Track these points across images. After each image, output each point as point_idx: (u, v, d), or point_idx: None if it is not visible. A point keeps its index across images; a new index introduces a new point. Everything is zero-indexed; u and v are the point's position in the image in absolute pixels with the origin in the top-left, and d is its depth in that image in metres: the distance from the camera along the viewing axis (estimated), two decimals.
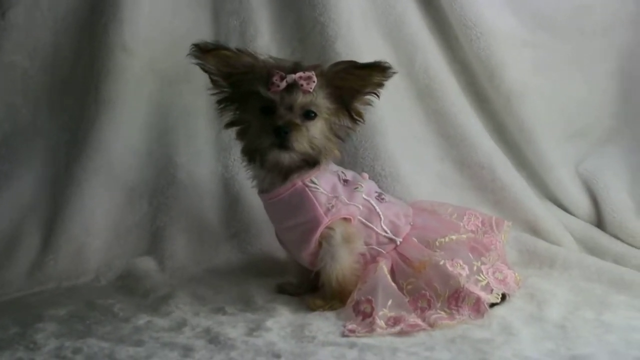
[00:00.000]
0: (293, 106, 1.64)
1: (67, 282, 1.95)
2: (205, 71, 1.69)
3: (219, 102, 1.72)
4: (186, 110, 2.13)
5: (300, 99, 1.63)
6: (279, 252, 1.96)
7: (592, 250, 2.06)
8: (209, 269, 2.01)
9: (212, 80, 1.70)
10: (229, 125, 1.74)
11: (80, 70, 2.09)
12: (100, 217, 2.04)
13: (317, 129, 1.66)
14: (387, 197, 1.80)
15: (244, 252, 2.05)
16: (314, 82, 1.63)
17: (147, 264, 2.01)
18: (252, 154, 1.70)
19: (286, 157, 1.65)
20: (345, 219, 1.70)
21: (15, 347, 1.53)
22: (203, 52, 1.66)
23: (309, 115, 1.65)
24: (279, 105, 1.64)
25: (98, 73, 2.05)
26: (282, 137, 1.62)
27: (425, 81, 2.15)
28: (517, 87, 2.16)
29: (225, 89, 1.70)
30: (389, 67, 1.63)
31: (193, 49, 1.66)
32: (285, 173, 1.69)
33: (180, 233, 2.07)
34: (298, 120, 1.64)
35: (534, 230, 2.10)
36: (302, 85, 1.62)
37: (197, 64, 1.68)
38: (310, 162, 1.67)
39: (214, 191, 2.11)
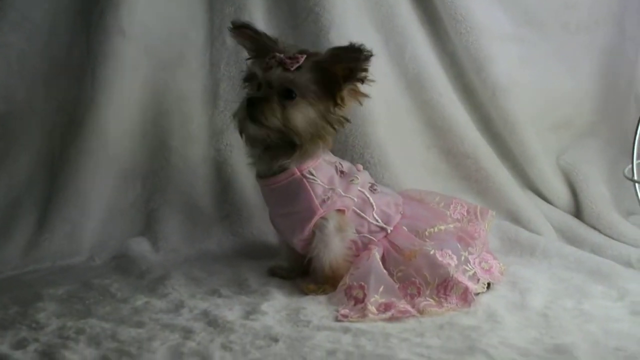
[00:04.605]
0: (272, 82, 1.67)
1: (62, 261, 1.98)
2: (242, 45, 1.80)
3: (244, 80, 1.78)
4: (180, 95, 2.15)
5: (278, 74, 1.66)
6: (271, 236, 2.01)
7: (571, 239, 2.11)
8: (202, 251, 2.04)
9: (248, 58, 1.79)
10: None
11: (77, 52, 2.10)
12: (94, 198, 2.06)
13: (296, 110, 1.67)
14: (379, 187, 1.85)
15: (236, 235, 2.08)
16: (297, 62, 1.66)
17: (141, 245, 2.04)
18: (238, 128, 1.75)
19: (255, 130, 1.69)
20: (339, 210, 1.75)
21: (18, 326, 1.55)
22: (235, 28, 1.75)
23: (289, 94, 1.67)
24: (262, 81, 1.69)
25: (94, 56, 2.07)
26: (251, 108, 1.67)
27: (414, 72, 2.18)
28: (502, 80, 2.19)
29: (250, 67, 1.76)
30: (364, 48, 1.64)
31: (229, 26, 1.77)
32: (272, 155, 1.72)
33: (173, 215, 2.10)
34: (274, 96, 1.67)
35: (516, 219, 2.14)
36: (285, 63, 1.66)
37: (234, 38, 1.78)
38: (291, 144, 1.69)
39: (206, 174, 2.14)
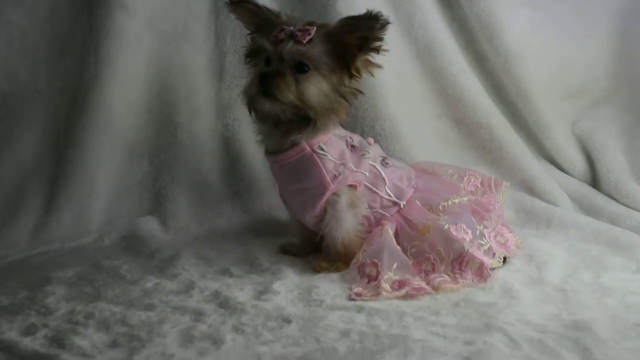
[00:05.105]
0: (283, 56, 1.63)
1: (71, 242, 1.96)
2: (240, 20, 1.75)
3: (246, 56, 1.74)
4: (186, 69, 2.12)
5: (290, 47, 1.62)
6: (281, 212, 1.98)
7: (588, 210, 2.09)
8: (211, 229, 2.02)
9: (248, 34, 1.74)
10: None
11: (79, 29, 2.06)
12: (101, 177, 2.04)
13: (310, 84, 1.64)
14: (391, 161, 1.81)
15: (246, 212, 2.06)
16: (309, 34, 1.62)
17: (150, 224, 2.02)
18: (248, 104, 1.71)
19: (268, 106, 1.65)
20: (351, 185, 1.72)
21: (27, 311, 1.53)
22: (232, 3, 1.70)
23: (302, 68, 1.63)
24: (272, 55, 1.65)
25: (97, 32, 2.03)
26: (264, 84, 1.63)
27: (424, 40, 2.15)
28: (515, 47, 2.16)
29: (252, 43, 1.73)
30: (381, 16, 1.60)
31: (227, 0, 1.71)
32: (284, 131, 1.69)
33: (182, 193, 2.08)
34: (287, 70, 1.63)
35: (531, 189, 2.12)
36: (296, 36, 1.62)
37: (231, 13, 1.73)
38: (304, 119, 1.66)
39: (214, 150, 2.12)
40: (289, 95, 1.62)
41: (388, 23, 1.61)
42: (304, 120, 1.66)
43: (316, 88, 1.64)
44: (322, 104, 1.66)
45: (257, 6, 1.70)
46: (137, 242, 1.94)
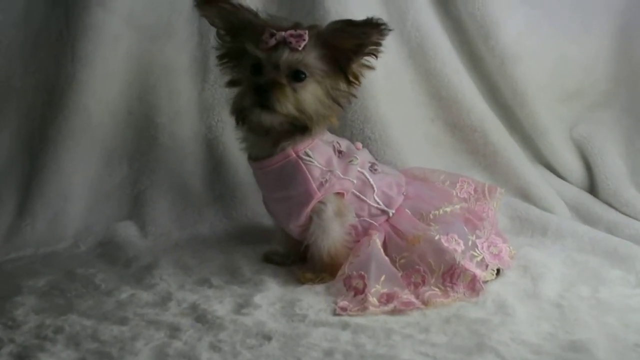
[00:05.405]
0: (279, 65, 1.55)
1: (45, 248, 1.90)
2: (211, 24, 1.64)
3: (220, 57, 1.66)
4: (168, 68, 2.05)
5: (286, 56, 1.55)
6: (265, 219, 1.91)
7: (585, 217, 2.04)
8: (192, 235, 1.97)
9: (218, 34, 1.64)
10: (229, 84, 1.68)
11: (54, 25, 1.98)
12: (78, 181, 1.98)
13: (307, 92, 1.57)
14: (380, 167, 1.74)
15: (229, 218, 2.01)
16: (304, 40, 1.55)
17: (128, 229, 1.96)
18: (237, 115, 1.63)
19: (267, 119, 1.58)
20: (338, 193, 1.65)
21: None
22: (203, 3, 1.60)
23: (298, 76, 1.56)
24: (265, 64, 1.57)
25: (74, 29, 1.96)
26: (262, 96, 1.55)
27: (417, 40, 2.09)
28: (511, 47, 2.11)
29: (227, 44, 1.64)
30: (383, 24, 1.53)
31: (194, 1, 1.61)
32: (275, 139, 1.62)
33: (162, 197, 2.02)
34: (284, 80, 1.56)
35: (526, 196, 2.07)
36: (290, 42, 1.54)
37: (201, 15, 1.63)
38: (300, 128, 1.59)
39: (197, 153, 2.05)
40: (288, 106, 1.55)
41: (390, 30, 1.54)
42: (297, 128, 1.60)
43: (313, 96, 1.58)
44: (318, 112, 1.59)
45: (233, 5, 1.60)
46: (114, 249, 1.88)
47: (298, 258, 1.76)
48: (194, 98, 2.06)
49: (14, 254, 1.87)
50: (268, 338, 1.39)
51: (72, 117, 1.96)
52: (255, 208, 1.97)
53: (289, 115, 1.57)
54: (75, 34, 1.95)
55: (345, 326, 1.44)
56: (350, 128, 2.01)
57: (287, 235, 1.75)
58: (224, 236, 1.96)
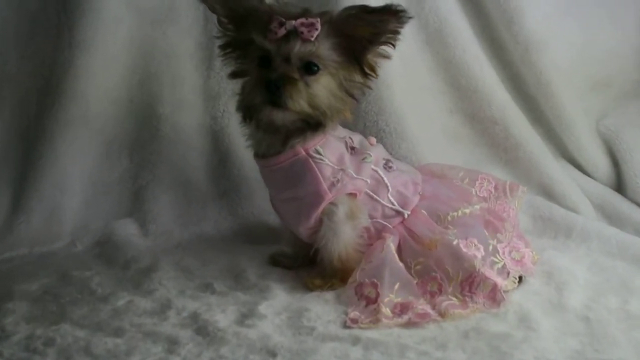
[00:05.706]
0: (290, 57, 1.46)
1: (40, 247, 1.84)
2: (212, 11, 1.55)
3: (222, 47, 1.56)
4: (171, 54, 1.97)
5: (298, 48, 1.45)
6: (272, 217, 1.82)
7: (612, 217, 1.95)
8: (195, 234, 1.90)
9: (219, 21, 1.55)
10: (232, 76, 1.58)
11: (51, 8, 1.92)
12: (75, 175, 1.92)
13: (320, 86, 1.48)
14: (395, 163, 1.65)
15: (234, 215, 1.93)
16: (316, 29, 1.45)
17: (128, 227, 1.90)
18: (245, 112, 1.54)
19: (279, 116, 1.48)
20: (350, 194, 1.55)
21: None
22: None
23: (310, 68, 1.47)
24: (274, 56, 1.47)
25: (72, 12, 1.89)
26: (273, 92, 1.45)
27: (435, 25, 1.99)
28: (536, 34, 2.00)
29: (230, 33, 1.54)
30: (402, 10, 1.44)
31: None
32: (285, 137, 1.53)
33: (164, 192, 1.95)
34: (296, 74, 1.46)
35: (549, 193, 1.98)
36: (302, 33, 1.44)
37: (202, 1, 1.55)
38: (312, 124, 1.50)
39: (201, 145, 1.98)
40: (302, 103, 1.46)
41: (410, 17, 1.45)
42: (310, 125, 1.51)
43: (326, 89, 1.49)
44: (331, 106, 1.51)
45: None
46: (112, 249, 1.81)
47: (307, 260, 1.67)
48: (199, 86, 1.99)
49: (7, 253, 1.81)
50: (273, 354, 1.32)
51: (69, 106, 1.89)
52: (262, 205, 1.89)
53: (302, 112, 1.48)
54: (73, 17, 1.89)
55: (356, 341, 1.35)
56: (364, 120, 1.92)
57: (296, 236, 1.67)
58: (228, 235, 1.89)
